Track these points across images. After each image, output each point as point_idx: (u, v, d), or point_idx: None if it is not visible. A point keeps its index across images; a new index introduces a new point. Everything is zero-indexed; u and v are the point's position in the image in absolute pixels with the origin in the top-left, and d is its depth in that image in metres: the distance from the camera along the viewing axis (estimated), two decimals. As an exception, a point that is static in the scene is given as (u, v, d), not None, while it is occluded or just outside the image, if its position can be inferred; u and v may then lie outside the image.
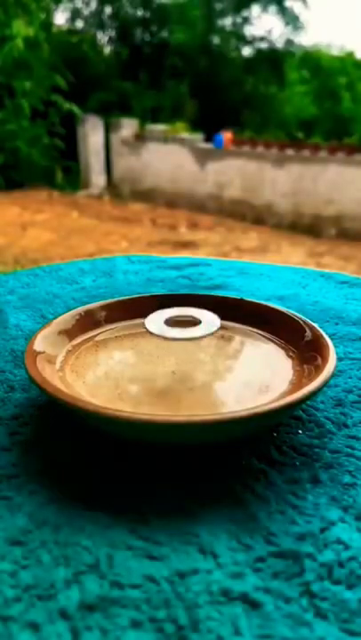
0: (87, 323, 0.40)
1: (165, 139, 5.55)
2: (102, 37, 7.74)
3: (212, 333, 0.34)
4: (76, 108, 5.45)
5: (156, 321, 0.35)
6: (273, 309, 0.41)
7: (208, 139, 5.47)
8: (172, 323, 0.35)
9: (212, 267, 0.66)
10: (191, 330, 0.34)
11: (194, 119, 6.58)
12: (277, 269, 0.65)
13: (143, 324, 0.36)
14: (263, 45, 8.05)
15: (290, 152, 4.78)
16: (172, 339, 0.33)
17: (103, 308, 0.42)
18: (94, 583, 0.22)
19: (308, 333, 0.37)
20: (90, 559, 0.23)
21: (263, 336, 0.39)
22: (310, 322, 0.38)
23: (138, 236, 3.97)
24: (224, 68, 7.32)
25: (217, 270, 0.64)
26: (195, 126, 6.10)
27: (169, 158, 5.50)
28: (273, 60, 7.77)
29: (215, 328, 0.34)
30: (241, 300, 0.43)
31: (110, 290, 0.57)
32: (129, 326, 0.41)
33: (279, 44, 8.06)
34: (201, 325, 0.35)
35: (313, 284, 0.60)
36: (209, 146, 5.31)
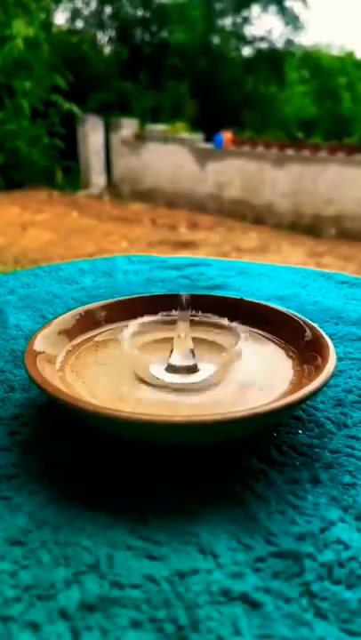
0: (87, 323, 0.40)
1: (165, 139, 5.55)
2: (102, 37, 7.74)
3: (208, 380, 0.34)
4: (76, 108, 5.45)
5: (158, 368, 0.35)
6: (273, 309, 0.41)
7: (208, 139, 5.46)
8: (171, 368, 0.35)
9: (212, 267, 0.66)
10: (189, 377, 0.34)
11: (194, 119, 6.58)
12: (277, 269, 0.65)
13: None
14: (263, 45, 8.05)
15: (290, 152, 4.78)
16: (171, 385, 0.34)
17: (103, 307, 0.42)
18: (94, 583, 0.22)
19: (308, 333, 0.37)
20: (90, 559, 0.23)
21: (263, 336, 0.39)
22: (310, 322, 0.38)
23: (138, 236, 3.97)
24: (224, 68, 7.31)
25: (217, 270, 0.64)
26: (195, 126, 6.10)
27: (169, 158, 5.50)
28: (273, 60, 7.76)
29: (211, 372, 0.34)
30: (241, 300, 0.43)
31: (110, 290, 0.57)
32: (129, 326, 0.41)
33: (279, 44, 8.05)
34: (199, 372, 0.35)
35: (313, 283, 0.60)
36: (209, 146, 5.31)
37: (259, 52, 8.04)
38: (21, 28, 4.76)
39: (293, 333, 0.38)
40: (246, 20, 8.08)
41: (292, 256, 3.57)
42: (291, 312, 0.40)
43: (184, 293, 0.36)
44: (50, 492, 0.27)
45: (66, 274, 0.63)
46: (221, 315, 0.40)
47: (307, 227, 4.49)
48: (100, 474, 0.28)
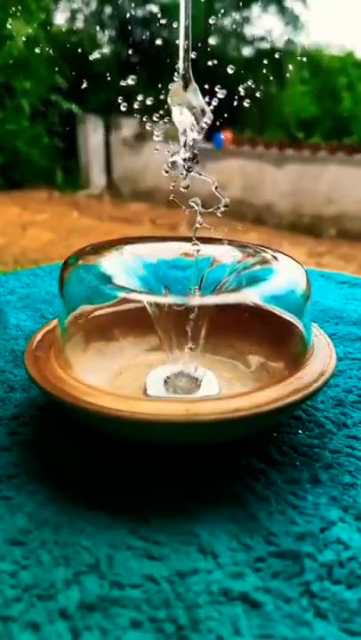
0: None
1: (166, 139, 5.55)
2: (102, 37, 7.73)
3: (209, 394, 0.33)
4: (75, 108, 5.45)
5: (155, 381, 0.35)
6: None
7: (208, 139, 5.46)
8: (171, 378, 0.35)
9: (212, 267, 0.65)
10: (190, 391, 0.34)
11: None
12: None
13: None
14: (263, 45, 8.04)
15: (290, 152, 4.78)
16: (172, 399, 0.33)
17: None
18: (94, 583, 0.22)
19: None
20: (90, 559, 0.23)
21: None
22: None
23: (138, 236, 3.96)
24: (224, 68, 7.30)
25: (217, 270, 0.64)
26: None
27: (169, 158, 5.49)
28: (273, 60, 7.75)
29: (215, 391, 0.34)
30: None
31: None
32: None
33: (279, 44, 8.05)
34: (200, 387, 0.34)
35: (313, 284, 0.59)
36: (209, 146, 5.30)
37: (259, 51, 8.03)
38: (21, 28, 4.75)
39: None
40: (246, 20, 8.07)
41: (292, 256, 3.57)
42: None
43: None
44: (50, 492, 0.27)
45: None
46: (219, 312, 0.40)
47: (307, 227, 4.49)
48: (101, 474, 0.28)
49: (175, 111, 0.33)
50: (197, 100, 0.33)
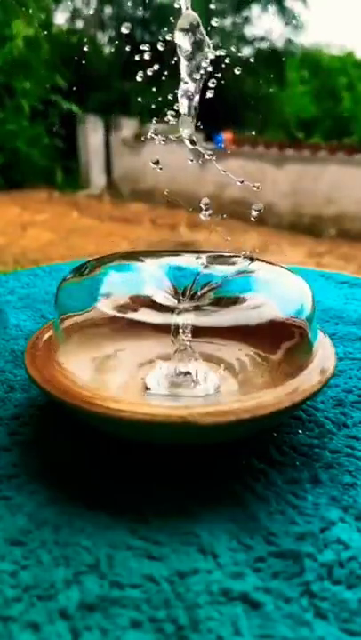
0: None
1: (166, 139, 5.54)
2: (102, 37, 7.73)
3: (211, 394, 0.33)
4: (75, 108, 5.45)
5: (155, 381, 0.35)
6: None
7: (208, 139, 5.46)
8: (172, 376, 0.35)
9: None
10: (190, 390, 0.34)
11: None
12: (277, 269, 0.65)
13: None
14: (263, 45, 8.03)
15: (290, 152, 4.79)
16: (172, 395, 0.33)
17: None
18: (94, 583, 0.22)
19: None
20: (90, 559, 0.23)
21: None
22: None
23: (138, 237, 3.97)
24: (224, 68, 7.28)
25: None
26: (194, 126, 6.08)
27: (169, 158, 5.50)
28: (273, 60, 7.74)
29: (213, 387, 0.34)
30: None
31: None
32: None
33: (279, 44, 8.04)
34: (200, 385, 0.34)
35: (313, 284, 0.59)
36: (209, 146, 5.30)
37: (259, 51, 8.02)
38: (21, 28, 4.76)
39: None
40: (246, 20, 8.07)
41: (292, 256, 3.57)
42: None
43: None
44: (50, 492, 0.27)
45: (66, 274, 0.63)
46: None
47: (307, 227, 4.49)
48: (101, 474, 0.28)
49: (179, 35, 0.33)
50: (200, 30, 0.33)
